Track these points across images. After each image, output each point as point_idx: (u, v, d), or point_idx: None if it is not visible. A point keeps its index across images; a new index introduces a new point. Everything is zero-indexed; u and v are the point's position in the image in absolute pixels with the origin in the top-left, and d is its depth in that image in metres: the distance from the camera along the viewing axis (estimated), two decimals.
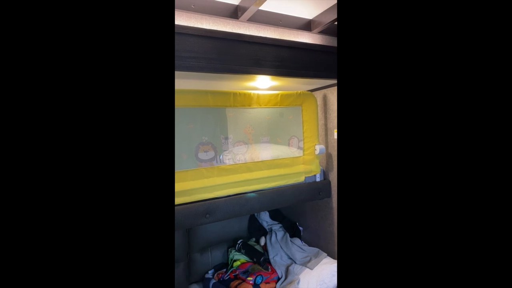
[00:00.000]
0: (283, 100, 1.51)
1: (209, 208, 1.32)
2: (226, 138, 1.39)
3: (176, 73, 1.15)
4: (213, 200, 1.33)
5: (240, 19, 1.14)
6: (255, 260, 1.72)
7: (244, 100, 1.40)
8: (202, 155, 1.32)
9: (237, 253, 1.79)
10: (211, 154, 1.35)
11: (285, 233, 1.84)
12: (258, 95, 1.43)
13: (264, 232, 1.95)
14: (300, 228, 1.93)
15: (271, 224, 1.96)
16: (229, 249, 1.85)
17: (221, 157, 1.39)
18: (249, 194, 1.39)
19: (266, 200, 1.48)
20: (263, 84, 1.47)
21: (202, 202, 1.31)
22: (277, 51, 1.26)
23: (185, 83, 1.29)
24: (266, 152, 1.49)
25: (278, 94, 1.49)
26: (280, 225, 1.94)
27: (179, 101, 1.23)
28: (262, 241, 1.88)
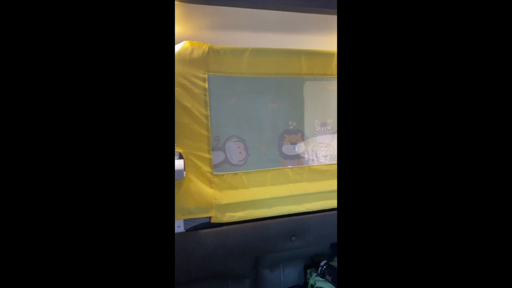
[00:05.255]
0: None
1: (296, 228, 0.91)
2: (324, 125, 0.93)
3: (249, 19, 0.74)
4: (301, 216, 0.91)
5: None
6: None
7: None
8: (287, 149, 0.90)
9: (321, 279, 1.35)
10: (300, 147, 0.91)
11: None
12: None
13: None
14: None
15: None
16: (309, 271, 1.42)
17: (313, 151, 0.94)
18: None
19: None
20: None
21: (287, 218, 0.89)
22: None
23: (260, 37, 0.87)
24: None
25: None
26: None
27: (255, 67, 0.81)
28: None
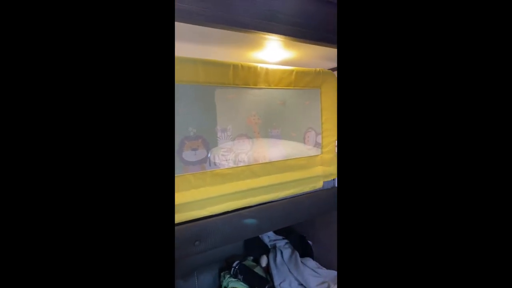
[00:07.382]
0: (299, 80, 1.11)
1: (199, 232, 0.91)
2: (224, 130, 0.98)
3: None
4: (205, 220, 0.92)
5: None
6: None
7: (248, 77, 0.99)
8: (188, 155, 0.91)
9: (233, 279, 1.40)
10: (202, 153, 0.93)
11: (293, 252, 1.47)
12: (267, 70, 1.03)
13: (265, 249, 1.57)
14: (309, 242, 1.57)
15: (275, 240, 1.58)
16: (222, 274, 1.46)
17: (215, 156, 0.98)
18: (247, 220, 0.99)
19: (278, 216, 1.09)
20: (273, 55, 1.07)
21: (190, 224, 0.90)
22: (300, 4, 0.87)
23: None
24: (276, 149, 1.10)
25: (292, 71, 1.09)
26: (286, 240, 1.56)
27: None
28: (264, 261, 1.50)
